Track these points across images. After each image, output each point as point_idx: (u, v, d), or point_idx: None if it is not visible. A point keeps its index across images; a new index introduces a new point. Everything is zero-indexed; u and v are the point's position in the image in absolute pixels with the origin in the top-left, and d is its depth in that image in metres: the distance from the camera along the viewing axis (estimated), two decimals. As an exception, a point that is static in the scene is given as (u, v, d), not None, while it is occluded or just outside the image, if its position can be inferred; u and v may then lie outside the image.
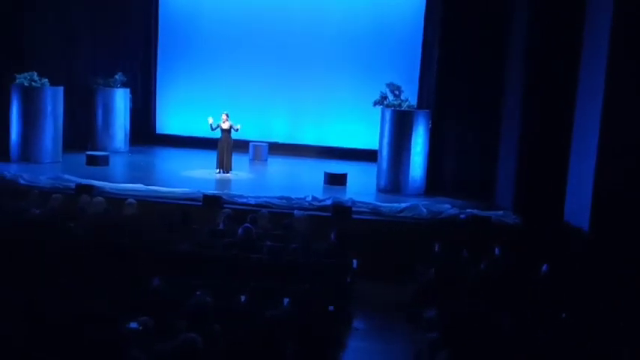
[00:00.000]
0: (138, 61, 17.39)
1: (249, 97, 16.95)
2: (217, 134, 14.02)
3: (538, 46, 11.51)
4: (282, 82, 17.03)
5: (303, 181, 13.93)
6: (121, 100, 16.24)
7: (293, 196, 11.58)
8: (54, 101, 14.23)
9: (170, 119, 17.91)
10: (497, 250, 9.13)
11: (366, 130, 16.23)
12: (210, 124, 13.88)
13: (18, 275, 6.54)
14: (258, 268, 7.79)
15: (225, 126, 13.88)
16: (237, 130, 13.95)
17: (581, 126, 10.92)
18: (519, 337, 6.16)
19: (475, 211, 11.40)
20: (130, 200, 10.15)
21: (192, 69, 17.50)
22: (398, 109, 13.12)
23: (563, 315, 6.84)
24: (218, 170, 14.01)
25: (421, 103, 14.51)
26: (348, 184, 13.56)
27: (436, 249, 9.18)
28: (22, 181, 11.98)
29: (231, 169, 14.03)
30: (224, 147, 13.93)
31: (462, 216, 11.29)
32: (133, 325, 5.27)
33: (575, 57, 11.06)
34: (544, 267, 8.26)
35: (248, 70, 17.05)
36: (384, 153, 13.22)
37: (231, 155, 14.05)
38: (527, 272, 8.25)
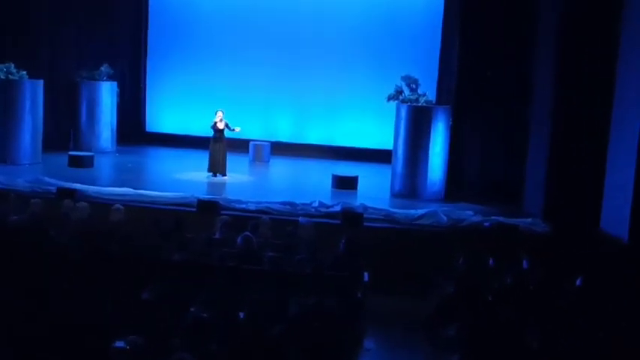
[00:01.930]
0: (126, 52, 17.49)
1: (250, 92, 17.03)
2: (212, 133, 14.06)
3: (570, 35, 11.47)
4: (285, 75, 17.10)
5: (309, 185, 13.98)
6: (107, 95, 16.33)
7: (298, 202, 11.60)
8: (33, 96, 14.29)
9: (162, 116, 18.01)
10: (525, 262, 9.11)
11: (379, 129, 16.27)
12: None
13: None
14: (258, 281, 7.80)
15: (221, 126, 13.89)
16: (233, 130, 13.97)
17: (620, 123, 10.87)
18: (549, 357, 6.14)
19: (500, 219, 11.40)
20: (117, 206, 10.20)
21: (186, 60, 17.59)
22: (415, 104, 13.12)
23: (599, 334, 6.81)
24: (210, 174, 14.02)
25: (440, 98, 14.53)
26: (359, 188, 13.59)
27: (458, 260, 9.17)
28: (-3, 185, 12.05)
29: (225, 173, 14.04)
30: (217, 149, 13.94)
31: (486, 224, 11.29)
32: (120, 344, 5.28)
33: (613, 47, 11.02)
34: (578, 280, 8.24)
35: (248, 63, 17.12)
36: (400, 153, 13.23)
37: (226, 158, 14.05)
38: (558, 286, 8.22)
